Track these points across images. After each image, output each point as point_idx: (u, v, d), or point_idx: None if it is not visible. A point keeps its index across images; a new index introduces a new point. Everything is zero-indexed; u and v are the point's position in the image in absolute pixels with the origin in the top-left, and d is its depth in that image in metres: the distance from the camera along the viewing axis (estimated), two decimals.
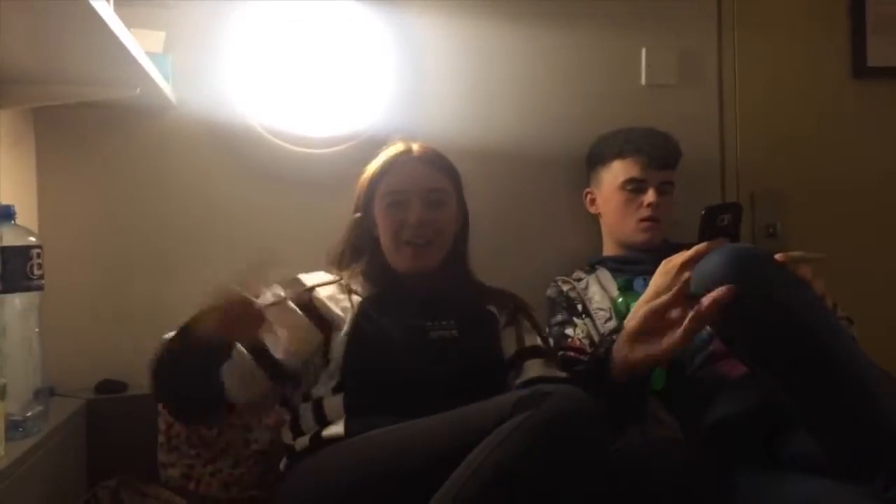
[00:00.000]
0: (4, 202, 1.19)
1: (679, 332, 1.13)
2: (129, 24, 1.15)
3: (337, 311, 1.31)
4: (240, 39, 1.66)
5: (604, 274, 1.63)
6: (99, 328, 1.57)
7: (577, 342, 1.49)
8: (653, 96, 1.89)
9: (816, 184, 1.95)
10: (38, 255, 1.18)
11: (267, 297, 1.15)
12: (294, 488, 1.19)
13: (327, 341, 1.30)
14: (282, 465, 1.28)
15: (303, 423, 1.26)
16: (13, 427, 1.14)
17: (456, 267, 1.43)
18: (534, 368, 1.33)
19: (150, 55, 1.33)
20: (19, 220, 1.20)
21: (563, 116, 1.83)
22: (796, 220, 1.94)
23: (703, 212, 1.29)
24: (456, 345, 1.31)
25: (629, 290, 1.54)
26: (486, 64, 1.81)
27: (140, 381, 1.51)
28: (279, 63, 1.68)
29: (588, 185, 1.77)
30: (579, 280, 1.63)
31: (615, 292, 1.56)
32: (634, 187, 1.64)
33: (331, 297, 1.33)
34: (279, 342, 1.20)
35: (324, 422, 1.23)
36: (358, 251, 1.40)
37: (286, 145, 1.69)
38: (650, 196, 1.62)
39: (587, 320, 1.54)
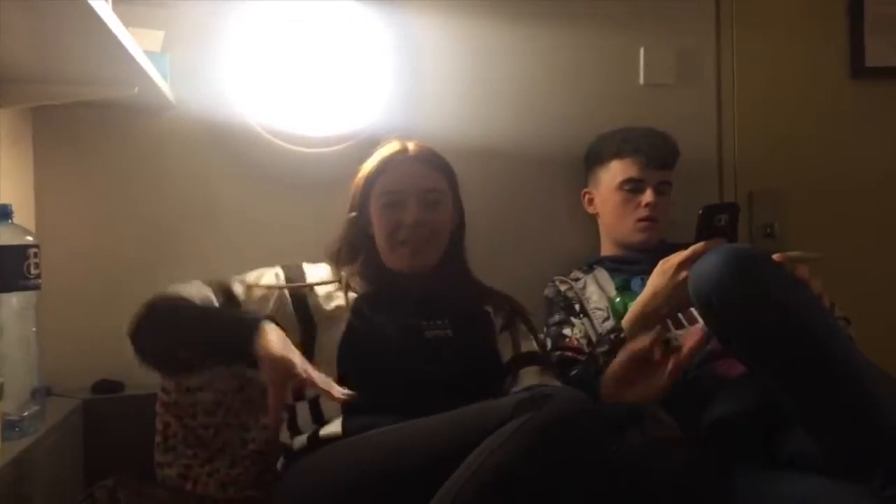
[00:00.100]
0: (2, 201, 1.18)
1: (664, 378, 1.19)
2: (127, 23, 1.15)
3: (329, 307, 1.31)
4: (238, 39, 1.66)
5: (601, 274, 1.63)
6: (96, 328, 1.57)
7: (575, 342, 1.50)
8: (651, 96, 1.89)
9: (814, 183, 1.95)
10: (35, 255, 1.18)
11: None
12: (292, 488, 1.19)
13: (311, 340, 1.29)
14: (279, 465, 1.28)
15: (300, 421, 1.26)
16: (10, 427, 1.13)
17: (453, 266, 1.42)
18: (529, 377, 1.34)
19: (149, 54, 1.33)
20: (16, 219, 1.20)
21: (561, 116, 1.83)
22: (794, 219, 1.94)
23: (700, 211, 1.29)
24: (451, 344, 1.31)
25: (627, 289, 1.54)
26: (485, 64, 1.81)
27: (137, 381, 1.52)
28: (278, 62, 1.68)
29: (586, 185, 1.77)
30: (577, 280, 1.63)
31: (613, 292, 1.56)
32: (632, 187, 1.64)
33: (327, 294, 1.34)
34: None
35: (321, 420, 1.23)
36: (354, 250, 1.40)
37: (284, 144, 1.69)
38: (648, 196, 1.63)
39: (585, 320, 1.54)
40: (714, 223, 1.29)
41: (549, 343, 1.53)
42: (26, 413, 1.17)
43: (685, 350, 1.18)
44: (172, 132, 1.64)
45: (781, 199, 1.94)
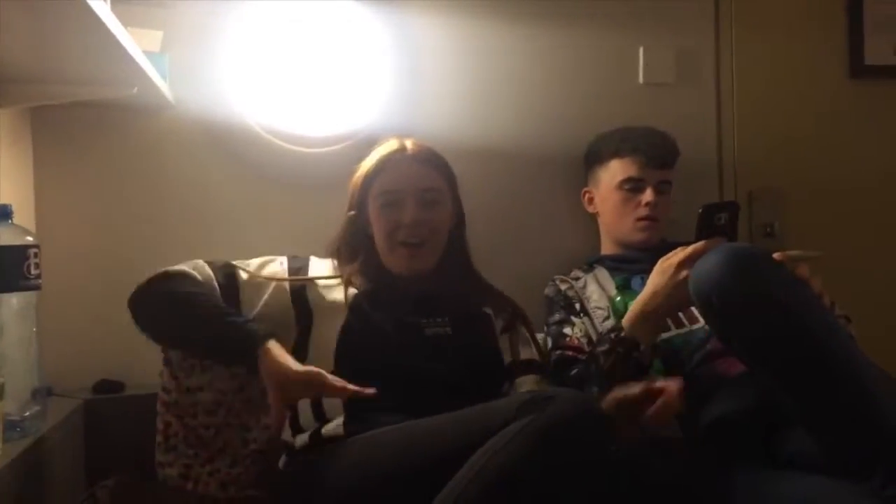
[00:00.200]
0: (1, 201, 1.18)
1: (648, 421, 1.19)
2: (126, 23, 1.15)
3: (328, 299, 1.32)
4: (237, 39, 1.65)
5: (602, 273, 1.63)
6: (97, 328, 1.57)
7: (576, 341, 1.50)
8: (651, 95, 1.88)
9: (814, 183, 1.95)
10: (36, 255, 1.17)
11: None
12: (294, 488, 1.19)
13: (307, 331, 1.30)
14: (281, 463, 1.28)
15: (302, 420, 1.26)
16: (11, 427, 1.13)
17: (453, 266, 1.42)
18: (527, 386, 1.35)
19: (148, 54, 1.33)
20: (16, 219, 1.19)
21: (560, 116, 1.83)
22: (794, 219, 1.94)
23: (700, 210, 1.29)
24: (451, 342, 1.32)
25: (627, 288, 1.54)
26: (484, 63, 1.81)
27: (138, 381, 1.52)
28: (277, 62, 1.68)
29: (586, 185, 1.77)
30: (577, 279, 1.63)
31: (613, 291, 1.56)
32: (632, 186, 1.64)
33: (327, 287, 1.34)
34: None
35: (323, 419, 1.23)
36: (354, 250, 1.41)
37: (283, 144, 1.68)
38: (648, 195, 1.62)
39: (585, 319, 1.54)
40: (714, 222, 1.29)
41: (549, 342, 1.53)
42: (27, 413, 1.17)
43: (667, 399, 1.17)
44: (171, 132, 1.64)
45: (781, 198, 1.94)
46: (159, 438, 1.35)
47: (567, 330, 1.52)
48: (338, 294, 1.33)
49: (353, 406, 1.21)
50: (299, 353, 1.30)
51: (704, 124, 1.93)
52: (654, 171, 1.64)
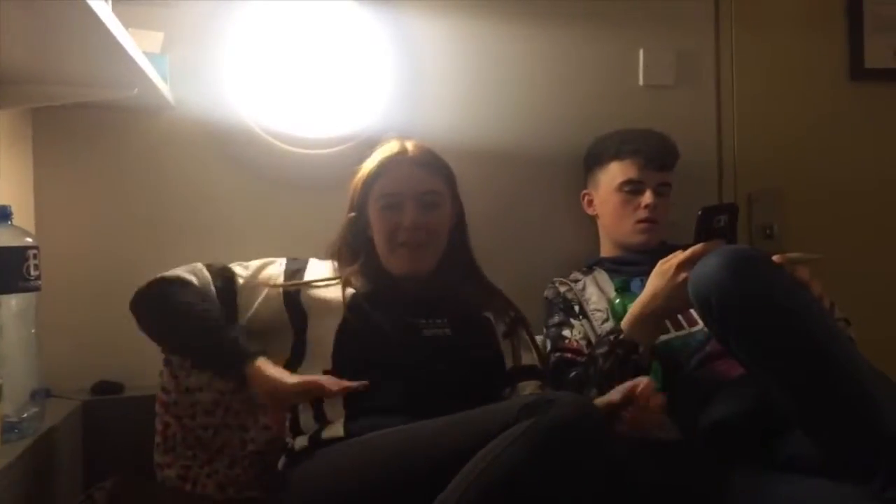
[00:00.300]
0: (1, 202, 1.18)
1: (625, 426, 1.16)
2: (126, 24, 1.15)
3: (322, 297, 1.33)
4: (238, 40, 1.66)
5: (601, 275, 1.63)
6: (96, 329, 1.57)
7: (575, 343, 1.50)
8: (650, 97, 1.89)
9: (814, 185, 1.95)
10: (35, 256, 1.18)
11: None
12: (294, 490, 1.19)
13: (303, 331, 1.31)
14: (280, 465, 1.28)
15: (302, 421, 1.26)
16: (9, 428, 1.13)
17: (455, 267, 1.43)
18: (528, 391, 1.35)
19: (148, 55, 1.33)
20: (16, 220, 1.19)
21: (560, 117, 1.83)
22: (793, 221, 1.94)
23: (699, 213, 1.29)
24: (450, 342, 1.32)
25: (626, 290, 1.54)
26: (484, 65, 1.81)
27: (137, 382, 1.52)
28: (277, 63, 1.68)
29: (585, 187, 1.77)
30: (576, 281, 1.63)
31: (612, 293, 1.56)
32: (632, 188, 1.64)
33: (322, 288, 1.35)
34: None
35: (323, 421, 1.23)
36: (354, 251, 1.41)
37: (284, 146, 1.68)
38: (647, 197, 1.63)
39: (584, 321, 1.54)
40: (713, 224, 1.29)
41: (548, 344, 1.53)
42: (26, 414, 1.17)
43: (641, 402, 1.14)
44: (172, 133, 1.64)
45: (781, 200, 1.94)
46: (158, 439, 1.35)
47: (566, 332, 1.52)
48: (334, 294, 1.33)
49: (353, 408, 1.21)
50: (297, 353, 1.31)
51: (704, 126, 1.93)
52: (653, 174, 1.64)
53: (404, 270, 1.37)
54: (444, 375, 1.26)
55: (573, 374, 1.42)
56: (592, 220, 1.77)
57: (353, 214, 1.41)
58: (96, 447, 1.47)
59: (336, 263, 1.41)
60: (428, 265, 1.38)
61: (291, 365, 1.31)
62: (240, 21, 1.66)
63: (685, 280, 1.24)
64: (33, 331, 1.19)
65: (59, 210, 1.59)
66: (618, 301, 1.51)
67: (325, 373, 1.27)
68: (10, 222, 1.18)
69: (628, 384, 1.16)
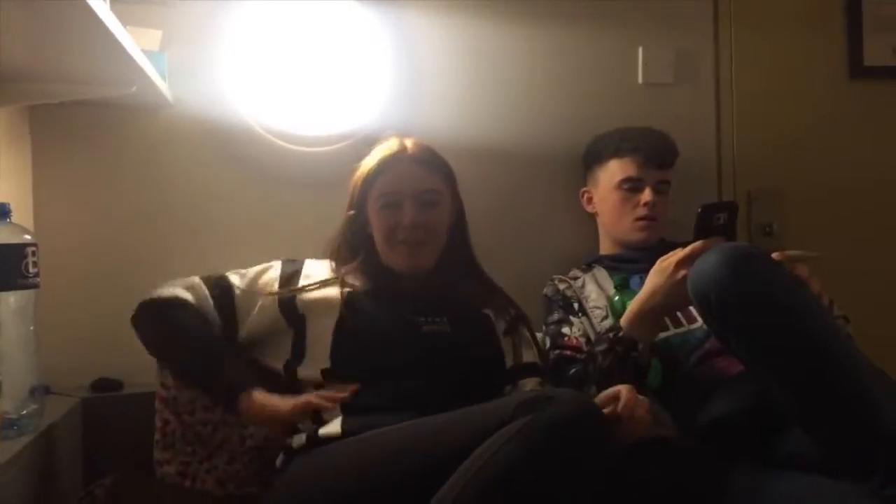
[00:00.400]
0: (0, 200, 1.18)
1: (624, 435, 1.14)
2: (125, 21, 1.15)
3: (318, 296, 1.33)
4: (236, 38, 1.65)
5: (600, 272, 1.63)
6: (95, 326, 1.57)
7: (574, 341, 1.50)
8: (650, 95, 1.89)
9: (813, 183, 1.95)
10: (34, 253, 1.17)
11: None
12: (291, 488, 1.19)
13: (302, 333, 1.32)
14: (278, 462, 1.28)
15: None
16: (8, 425, 1.13)
17: (455, 264, 1.43)
18: (529, 388, 1.35)
19: (147, 53, 1.33)
20: (15, 217, 1.19)
21: (559, 115, 1.83)
22: (793, 218, 1.94)
23: (698, 210, 1.29)
24: (449, 339, 1.32)
25: (626, 288, 1.54)
26: (483, 63, 1.81)
27: (136, 379, 1.52)
28: (276, 61, 1.68)
29: (585, 184, 1.77)
30: (576, 279, 1.63)
31: (611, 290, 1.56)
32: (631, 186, 1.64)
33: (319, 286, 1.35)
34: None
35: (320, 419, 1.23)
36: (354, 248, 1.41)
37: (283, 143, 1.68)
38: (647, 195, 1.63)
39: (584, 319, 1.54)
40: (713, 222, 1.29)
41: (547, 342, 1.54)
42: (25, 412, 1.17)
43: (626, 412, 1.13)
44: (170, 131, 1.64)
45: (780, 198, 1.95)
46: (157, 436, 1.35)
47: (565, 329, 1.52)
48: (331, 293, 1.33)
49: (351, 406, 1.21)
50: (297, 354, 1.31)
51: (703, 124, 1.93)
52: (652, 171, 1.64)
53: (403, 267, 1.37)
54: (443, 372, 1.26)
55: (573, 371, 1.42)
56: (592, 217, 1.77)
57: (352, 212, 1.42)
58: (96, 444, 1.47)
59: (333, 262, 1.41)
60: (427, 263, 1.38)
61: (291, 365, 1.32)
62: (238, 19, 1.65)
63: (684, 277, 1.24)
64: (32, 328, 1.19)
65: (58, 207, 1.59)
66: (617, 298, 1.51)
67: (324, 371, 1.27)
68: (8, 220, 1.18)
69: (609, 392, 1.16)
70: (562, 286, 1.61)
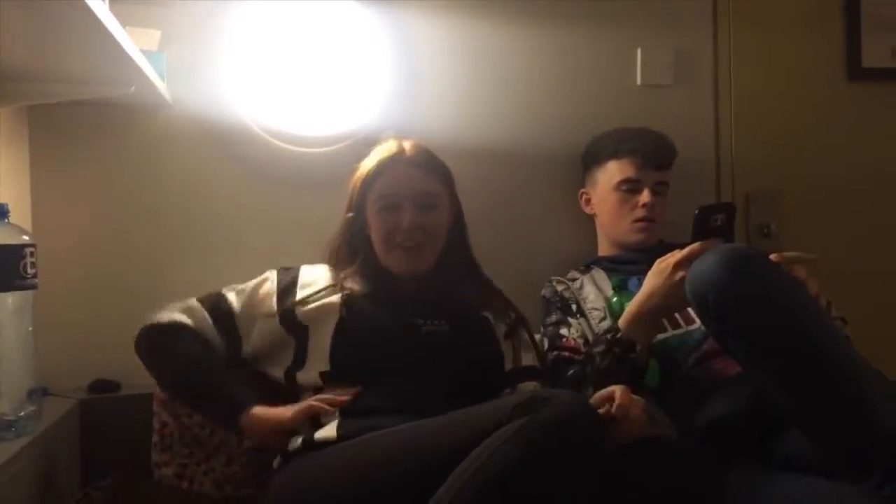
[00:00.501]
0: None
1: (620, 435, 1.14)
2: (124, 22, 1.15)
3: (318, 304, 1.33)
4: (235, 38, 1.65)
5: (598, 274, 1.63)
6: (93, 327, 1.57)
7: (572, 342, 1.50)
8: (648, 96, 1.89)
9: (811, 184, 1.95)
10: (32, 254, 1.17)
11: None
12: (288, 490, 1.19)
13: (305, 342, 1.32)
14: (275, 464, 1.28)
15: None
16: (5, 427, 1.13)
17: (454, 265, 1.43)
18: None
19: (146, 53, 1.33)
20: (13, 218, 1.19)
21: (558, 116, 1.83)
22: (791, 220, 1.94)
23: (696, 212, 1.30)
24: (448, 340, 1.32)
25: (624, 289, 1.54)
26: (482, 64, 1.81)
27: (134, 380, 1.51)
28: (275, 62, 1.68)
29: (583, 186, 1.77)
30: (574, 280, 1.63)
31: (610, 292, 1.56)
32: (629, 187, 1.64)
33: (318, 295, 1.34)
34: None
35: (316, 422, 1.22)
36: (353, 250, 1.42)
37: (282, 144, 1.68)
38: (645, 196, 1.63)
39: (582, 320, 1.54)
40: (710, 223, 1.29)
41: (545, 343, 1.53)
42: (22, 413, 1.17)
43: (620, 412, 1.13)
44: (169, 131, 1.64)
45: (778, 200, 1.95)
46: (155, 438, 1.35)
47: (563, 331, 1.52)
48: (331, 299, 1.34)
49: (348, 409, 1.21)
50: (298, 360, 1.32)
51: (702, 125, 1.94)
52: (651, 173, 1.64)
53: (402, 270, 1.37)
54: (442, 373, 1.26)
55: (571, 372, 1.43)
56: (590, 218, 1.77)
57: (350, 214, 1.42)
58: (93, 445, 1.47)
59: (330, 266, 1.41)
60: (426, 264, 1.38)
61: (292, 371, 1.32)
62: (237, 19, 1.65)
63: (682, 278, 1.24)
64: (30, 329, 1.19)
65: (56, 208, 1.58)
66: (615, 300, 1.51)
67: (322, 374, 1.27)
68: (6, 220, 1.18)
69: (604, 393, 1.16)
70: (560, 287, 1.61)
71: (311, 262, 1.43)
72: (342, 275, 1.38)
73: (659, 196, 1.65)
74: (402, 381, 1.24)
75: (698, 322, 1.39)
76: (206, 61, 1.64)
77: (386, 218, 1.36)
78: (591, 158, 1.73)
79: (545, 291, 1.63)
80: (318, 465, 1.15)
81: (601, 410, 1.12)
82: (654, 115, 1.80)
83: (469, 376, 1.29)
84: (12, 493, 1.09)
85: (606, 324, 1.49)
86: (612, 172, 1.66)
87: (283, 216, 1.68)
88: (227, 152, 1.67)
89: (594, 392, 1.23)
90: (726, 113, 1.94)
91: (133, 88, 1.38)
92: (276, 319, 1.34)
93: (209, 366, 1.29)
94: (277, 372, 1.34)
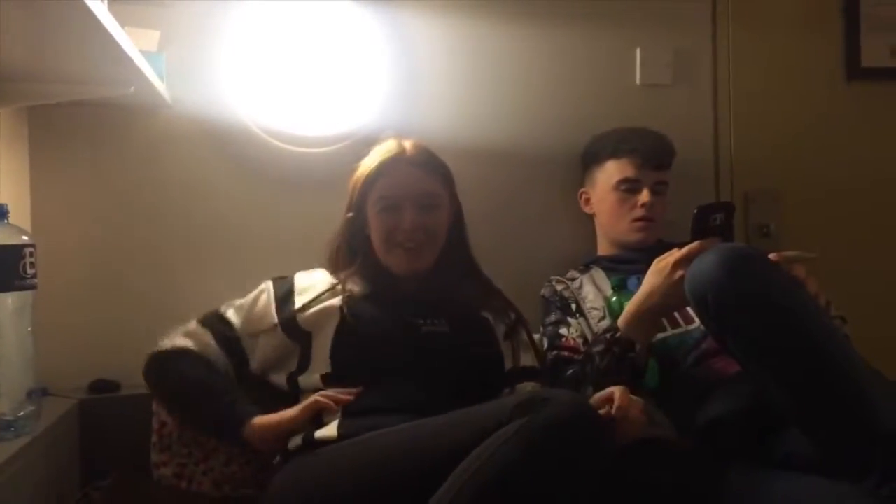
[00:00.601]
0: None
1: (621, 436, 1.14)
2: (123, 22, 1.15)
3: (318, 309, 1.33)
4: (235, 38, 1.65)
5: (598, 273, 1.63)
6: (92, 328, 1.57)
7: (572, 342, 1.50)
8: (647, 96, 1.89)
9: (810, 184, 1.95)
10: (31, 255, 1.17)
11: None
12: (288, 489, 1.19)
13: (308, 348, 1.32)
14: (275, 463, 1.28)
15: None
16: (5, 427, 1.13)
17: (454, 265, 1.43)
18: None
19: (145, 54, 1.33)
20: (12, 218, 1.19)
21: (557, 116, 1.83)
22: (790, 219, 1.94)
23: (695, 211, 1.30)
24: (448, 340, 1.33)
25: (623, 289, 1.54)
26: (481, 63, 1.81)
27: (133, 381, 1.51)
28: (274, 62, 1.68)
29: (582, 185, 1.77)
30: (573, 279, 1.63)
31: (609, 291, 1.56)
32: (629, 187, 1.64)
33: (317, 300, 1.35)
34: None
35: (318, 421, 1.23)
36: (353, 250, 1.42)
37: (281, 144, 1.69)
38: (644, 196, 1.63)
39: (581, 319, 1.54)
40: (710, 222, 1.30)
41: (545, 343, 1.54)
42: (22, 413, 1.17)
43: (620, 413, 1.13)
44: (169, 132, 1.64)
45: (777, 199, 1.95)
46: (154, 438, 1.35)
47: (563, 330, 1.52)
48: (331, 302, 1.34)
49: (349, 408, 1.21)
50: (302, 365, 1.33)
51: (701, 125, 1.94)
52: (650, 172, 1.64)
53: (402, 270, 1.37)
54: (441, 373, 1.26)
55: (570, 372, 1.43)
56: (589, 218, 1.77)
57: (350, 214, 1.42)
58: (93, 446, 1.47)
59: (326, 270, 1.42)
60: (425, 264, 1.38)
61: (295, 375, 1.32)
62: (236, 19, 1.65)
63: (682, 278, 1.24)
64: (30, 329, 1.19)
65: (56, 208, 1.59)
66: (614, 299, 1.52)
67: (324, 376, 1.27)
68: (6, 220, 1.18)
69: (603, 394, 1.16)
70: (559, 287, 1.61)
71: (310, 262, 1.44)
72: (342, 276, 1.38)
73: (658, 196, 1.65)
74: (402, 381, 1.24)
75: (697, 321, 1.39)
76: (205, 62, 1.64)
77: (387, 218, 1.36)
78: (591, 158, 1.73)
79: (544, 291, 1.63)
80: (318, 464, 1.15)
81: (601, 412, 1.12)
82: (654, 115, 1.80)
83: (469, 376, 1.29)
84: (12, 493, 1.09)
85: (606, 323, 1.49)
86: (611, 172, 1.67)
87: (282, 216, 1.68)
88: (227, 152, 1.67)
89: (594, 391, 1.23)
90: (725, 113, 1.94)
91: (132, 89, 1.38)
92: (279, 330, 1.34)
93: (210, 386, 1.30)
94: (281, 378, 1.34)
